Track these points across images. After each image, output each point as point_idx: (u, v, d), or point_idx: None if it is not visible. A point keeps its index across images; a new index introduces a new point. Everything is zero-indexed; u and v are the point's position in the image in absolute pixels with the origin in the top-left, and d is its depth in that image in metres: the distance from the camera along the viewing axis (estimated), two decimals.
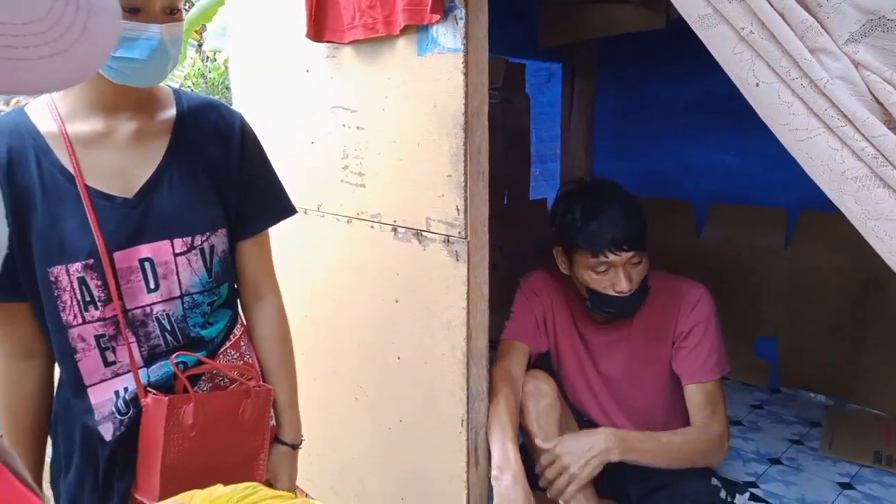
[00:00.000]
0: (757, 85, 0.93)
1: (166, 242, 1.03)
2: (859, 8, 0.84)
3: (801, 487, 2.12)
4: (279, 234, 1.83)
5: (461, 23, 1.28)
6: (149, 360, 1.06)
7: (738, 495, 2.02)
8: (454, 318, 1.42)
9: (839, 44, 0.86)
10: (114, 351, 1.03)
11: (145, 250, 1.02)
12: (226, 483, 0.66)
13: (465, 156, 1.34)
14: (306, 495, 2.04)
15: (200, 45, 7.95)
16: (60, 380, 1.07)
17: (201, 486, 0.65)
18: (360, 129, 1.59)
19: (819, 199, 0.95)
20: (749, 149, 2.76)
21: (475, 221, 1.38)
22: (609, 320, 1.74)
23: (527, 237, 3.12)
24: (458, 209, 1.37)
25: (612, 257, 1.54)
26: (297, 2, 1.58)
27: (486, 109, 1.36)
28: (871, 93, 0.84)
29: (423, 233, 1.46)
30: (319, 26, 1.58)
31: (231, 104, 2.08)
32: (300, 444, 1.27)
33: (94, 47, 0.44)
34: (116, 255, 1.00)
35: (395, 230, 1.54)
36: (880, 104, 0.84)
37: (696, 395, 1.64)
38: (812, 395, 2.76)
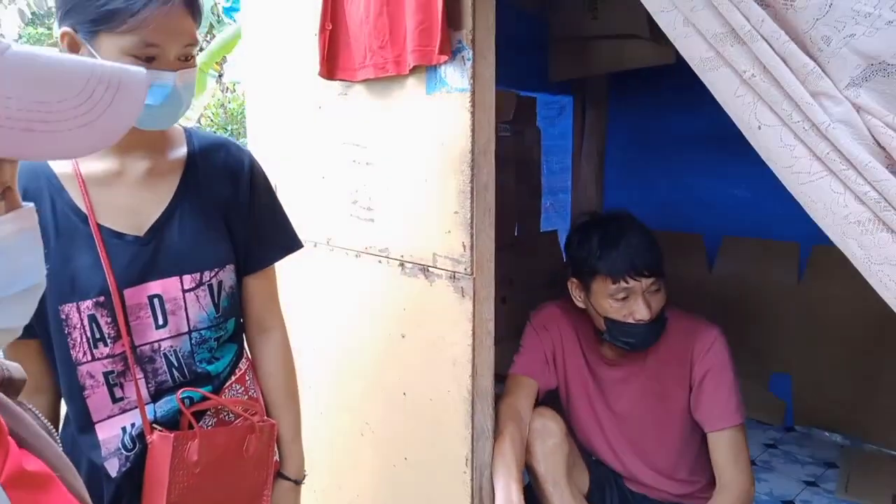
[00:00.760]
0: (759, 128, 0.94)
1: (176, 279, 1.05)
2: (860, 53, 0.85)
3: None
4: (289, 266, 1.85)
5: (468, 63, 1.30)
6: (155, 396, 1.06)
7: None
8: (460, 355, 1.41)
9: (840, 88, 0.86)
10: (122, 387, 1.04)
11: (155, 287, 1.04)
12: None
13: (472, 193, 1.35)
14: None
15: (220, 76, 8.14)
16: (66, 416, 1.08)
17: None
18: (369, 164, 1.61)
19: None
20: (761, 182, 2.74)
21: (481, 258, 1.39)
22: (621, 356, 1.72)
23: (537, 269, 3.11)
24: (464, 245, 1.38)
25: (632, 283, 1.54)
26: (311, 41, 1.62)
27: (493, 147, 1.38)
28: (872, 137, 0.84)
29: (429, 268, 1.47)
30: (332, 65, 1.61)
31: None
32: (303, 479, 1.26)
33: (118, 119, 0.49)
34: (126, 292, 1.01)
35: (402, 265, 1.54)
36: (882, 148, 0.84)
37: (721, 442, 1.60)
38: (827, 434, 2.70)
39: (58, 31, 0.95)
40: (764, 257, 2.84)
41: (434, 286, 1.46)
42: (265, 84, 1.99)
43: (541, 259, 3.15)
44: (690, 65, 0.99)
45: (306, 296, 1.90)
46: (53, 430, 0.58)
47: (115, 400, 1.04)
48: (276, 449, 1.21)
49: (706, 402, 1.63)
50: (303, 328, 1.90)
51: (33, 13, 8.41)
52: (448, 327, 1.43)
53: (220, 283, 1.10)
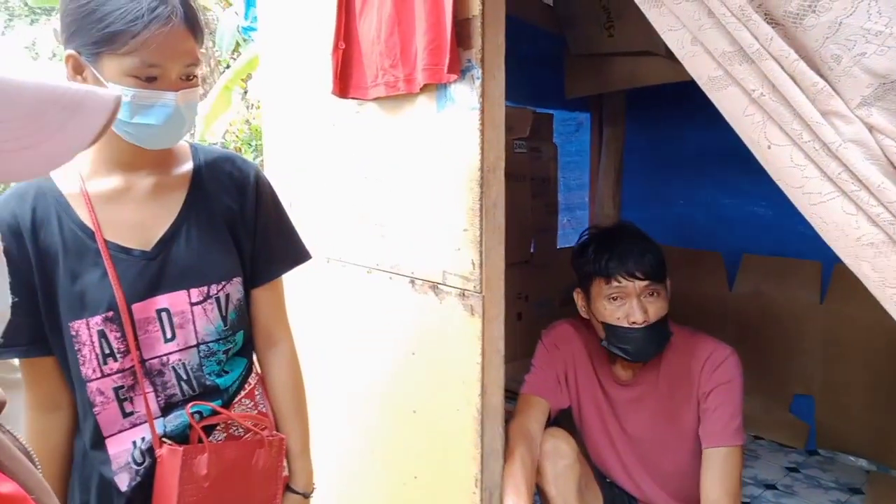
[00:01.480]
0: (769, 147, 0.92)
1: (183, 292, 1.06)
2: (871, 72, 0.83)
3: None
4: (302, 281, 1.87)
5: (478, 82, 1.31)
6: (165, 410, 1.07)
7: None
8: (469, 374, 1.40)
9: (852, 107, 0.85)
10: (132, 402, 1.05)
11: (162, 301, 1.04)
12: None
13: (481, 210, 1.35)
14: None
15: (246, 93, 8.27)
16: (79, 429, 1.09)
17: None
18: (380, 181, 1.61)
19: None
20: (782, 199, 2.69)
21: (491, 276, 1.38)
22: (633, 376, 1.70)
23: (553, 286, 3.09)
24: (473, 263, 1.37)
25: (624, 282, 1.56)
26: (325, 60, 1.64)
27: (503, 165, 1.37)
28: (885, 157, 0.82)
29: (439, 286, 1.46)
30: (345, 84, 1.62)
31: None
32: (312, 492, 1.26)
33: (66, 144, 0.45)
34: (135, 306, 1.02)
35: (412, 282, 1.54)
36: (895, 168, 0.81)
37: (713, 460, 1.57)
38: (852, 458, 2.62)
39: (63, 54, 0.97)
40: (785, 276, 2.79)
41: (444, 304, 1.45)
42: (281, 102, 2.01)
43: (557, 276, 3.12)
44: (699, 83, 0.98)
45: (318, 311, 1.90)
46: (32, 452, 0.55)
47: (125, 415, 1.05)
48: (284, 463, 1.21)
49: (708, 417, 1.60)
50: (314, 343, 1.90)
51: None
52: (457, 345, 1.42)
53: (227, 296, 1.10)
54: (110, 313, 1.00)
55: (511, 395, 1.63)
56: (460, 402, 1.43)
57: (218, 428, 1.11)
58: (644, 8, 1.00)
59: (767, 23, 0.89)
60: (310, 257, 1.27)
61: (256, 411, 1.17)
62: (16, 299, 0.91)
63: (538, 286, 3.01)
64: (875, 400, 2.52)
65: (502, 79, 1.33)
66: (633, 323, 1.55)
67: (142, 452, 1.05)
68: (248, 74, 7.30)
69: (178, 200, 1.09)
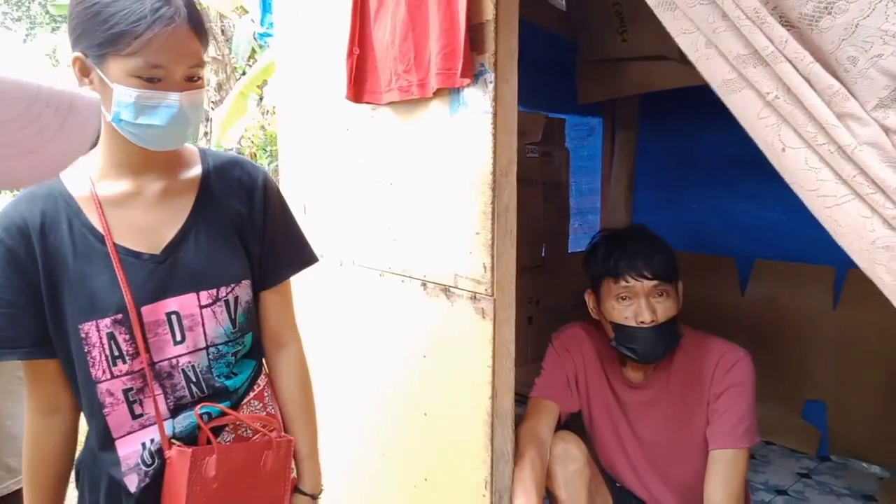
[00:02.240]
0: (783, 150, 0.92)
1: (192, 295, 1.06)
2: (888, 74, 0.83)
3: None
4: (315, 284, 1.88)
5: (491, 86, 1.31)
6: (175, 412, 1.08)
7: None
8: (479, 377, 1.40)
9: (867, 109, 0.84)
10: (141, 404, 1.06)
11: (172, 304, 1.05)
12: None
13: (493, 214, 1.35)
14: None
15: (261, 99, 8.34)
16: (88, 432, 1.10)
17: None
18: (393, 185, 1.62)
19: None
20: (795, 204, 2.67)
21: (503, 279, 1.38)
22: (644, 379, 1.70)
23: (565, 290, 3.09)
24: (485, 266, 1.37)
25: (632, 282, 1.56)
26: (339, 66, 1.65)
27: (515, 169, 1.38)
28: None
29: (450, 289, 1.47)
30: (359, 89, 1.64)
31: None
32: (320, 493, 1.26)
33: (67, 146, 0.46)
34: (144, 309, 1.03)
35: (424, 285, 1.54)
36: None
37: (718, 461, 1.56)
38: (865, 465, 2.60)
39: (70, 56, 0.98)
40: (798, 282, 2.77)
41: (455, 307, 1.46)
42: (296, 106, 2.03)
43: (568, 280, 3.12)
44: (712, 87, 0.98)
45: (331, 314, 1.91)
46: None
47: (134, 416, 1.06)
48: (293, 464, 1.22)
49: (717, 419, 1.59)
50: (327, 345, 1.91)
51: None
52: (468, 348, 1.43)
53: (236, 299, 1.11)
54: (119, 316, 1.01)
55: (521, 398, 1.63)
56: (471, 405, 1.44)
57: (227, 429, 1.12)
58: (658, 11, 1.01)
59: (782, 25, 0.89)
60: (317, 260, 1.28)
61: (265, 413, 1.18)
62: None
63: (549, 290, 3.01)
64: (888, 406, 2.50)
65: (515, 83, 1.34)
66: (642, 322, 1.55)
67: (151, 454, 1.06)
68: (263, 81, 7.35)
69: (187, 204, 1.10)
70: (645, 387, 1.71)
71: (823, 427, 2.71)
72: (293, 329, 1.26)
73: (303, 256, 1.25)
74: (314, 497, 1.25)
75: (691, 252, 2.93)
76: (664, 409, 1.70)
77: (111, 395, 1.04)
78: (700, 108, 2.78)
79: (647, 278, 1.55)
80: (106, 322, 1.01)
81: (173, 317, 1.05)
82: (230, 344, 1.12)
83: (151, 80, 0.96)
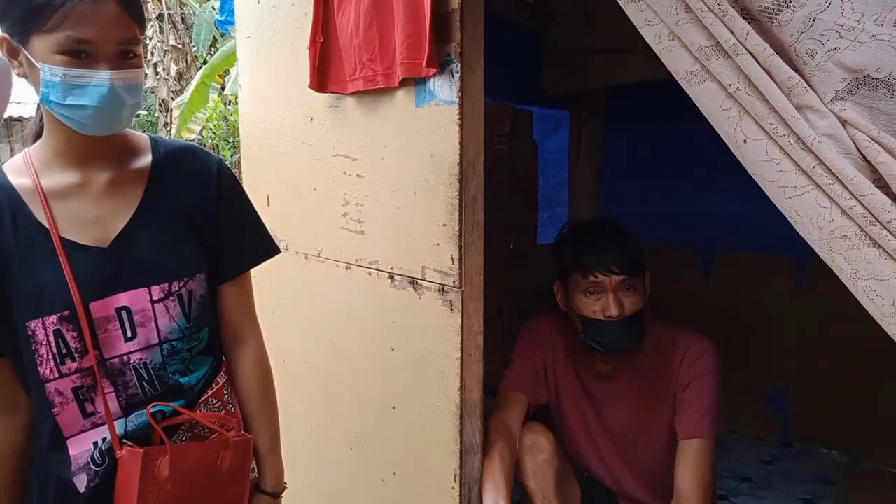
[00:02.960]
0: (745, 141, 0.93)
1: (144, 290, 1.02)
2: (844, 67, 0.84)
3: None
4: (280, 278, 1.85)
5: (457, 76, 1.30)
6: (127, 410, 1.04)
7: None
8: (448, 369, 1.40)
9: (825, 101, 0.86)
10: (93, 402, 1.02)
11: (123, 299, 1.01)
12: None
13: (461, 205, 1.34)
14: None
15: (223, 89, 8.17)
16: (38, 432, 1.06)
17: None
18: (360, 176, 1.60)
19: None
20: (758, 196, 2.72)
21: (470, 271, 1.38)
22: (612, 370, 1.71)
23: (533, 282, 3.10)
24: (452, 258, 1.37)
25: (601, 277, 1.57)
26: (303, 54, 1.62)
27: (482, 160, 1.37)
28: (858, 151, 0.83)
29: (418, 281, 1.46)
30: (323, 77, 1.61)
31: None
32: (282, 491, 1.24)
33: None
34: (93, 305, 0.99)
35: (391, 278, 1.53)
36: (868, 162, 0.83)
37: (686, 451, 1.58)
38: (826, 450, 2.67)
39: None
40: (760, 273, 2.83)
41: (423, 299, 1.45)
42: (258, 96, 1.99)
43: (537, 272, 3.13)
44: (676, 78, 0.98)
45: (297, 308, 1.89)
46: None
47: (86, 415, 1.02)
48: (253, 464, 1.19)
49: (684, 409, 1.62)
50: (293, 340, 1.89)
51: None
52: (436, 341, 1.42)
53: (190, 293, 1.07)
54: (66, 312, 0.97)
55: (490, 390, 1.63)
56: (439, 397, 1.43)
57: (182, 428, 1.08)
58: (622, 3, 1.01)
59: (744, 18, 0.89)
60: (278, 252, 1.23)
61: (224, 411, 1.14)
62: None
63: (518, 282, 3.02)
64: (848, 393, 2.57)
65: (481, 73, 1.33)
66: (609, 317, 1.56)
67: (102, 453, 1.03)
68: (225, 70, 7.21)
69: (137, 195, 1.05)
70: (613, 378, 1.73)
71: (786, 414, 2.78)
72: (253, 324, 1.22)
73: (262, 248, 1.21)
74: (275, 496, 1.22)
75: (656, 244, 2.96)
76: (632, 400, 1.72)
77: (60, 394, 1.00)
78: (665, 101, 2.81)
79: (615, 273, 1.56)
80: (52, 319, 0.97)
81: (123, 312, 1.02)
82: (185, 340, 1.08)
83: (78, 56, 0.91)
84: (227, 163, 1.20)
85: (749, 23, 0.89)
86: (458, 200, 1.34)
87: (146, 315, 1.03)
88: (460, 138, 1.31)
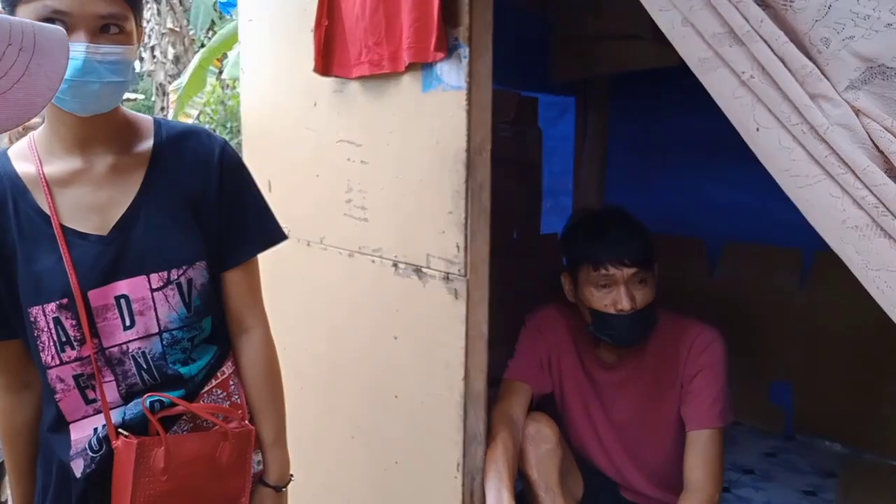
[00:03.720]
0: (757, 130, 0.92)
1: (143, 278, 1.01)
2: (859, 56, 0.82)
3: None
4: (282, 265, 1.84)
5: (465, 61, 1.29)
6: (127, 399, 1.04)
7: None
8: (452, 358, 1.39)
9: (839, 90, 0.84)
10: (93, 389, 1.02)
11: (122, 287, 1.00)
12: None
13: (467, 193, 1.33)
14: None
15: (221, 73, 8.12)
16: (43, 414, 1.07)
17: None
18: (364, 163, 1.59)
19: None
20: (764, 186, 2.70)
21: (476, 259, 1.37)
22: (618, 360, 1.70)
23: (536, 272, 3.09)
24: (458, 246, 1.36)
25: (612, 270, 1.54)
26: (307, 37, 1.60)
27: (489, 147, 1.36)
28: (871, 140, 0.82)
29: (423, 269, 1.45)
30: (327, 61, 1.59)
31: None
32: (286, 484, 1.22)
33: (36, 88, 0.43)
34: (91, 293, 0.98)
35: (395, 265, 1.52)
36: (881, 152, 0.81)
37: (696, 442, 1.58)
38: (828, 443, 2.66)
39: None
40: (766, 263, 2.81)
41: (427, 287, 1.44)
42: (260, 80, 1.97)
43: (540, 262, 3.12)
44: (689, 65, 0.97)
45: (299, 295, 1.88)
46: None
47: (87, 402, 1.02)
48: (259, 457, 1.18)
49: (692, 400, 1.61)
50: (295, 328, 1.88)
51: None
52: (441, 329, 1.41)
53: (189, 281, 1.05)
54: (65, 300, 0.97)
55: (492, 380, 1.63)
56: (443, 386, 1.43)
57: (183, 418, 1.07)
58: None
59: (758, 4, 0.88)
60: (284, 238, 1.20)
61: (229, 402, 1.13)
62: None
63: (521, 272, 3.00)
64: (851, 386, 2.56)
65: (490, 58, 1.31)
66: (621, 310, 1.54)
67: (99, 440, 1.02)
68: (223, 53, 7.15)
69: (138, 180, 1.04)
70: (619, 367, 1.72)
71: (789, 407, 2.77)
72: (258, 312, 1.19)
73: (266, 233, 1.17)
74: (278, 489, 1.20)
75: (662, 233, 2.95)
76: (637, 390, 1.71)
77: (62, 381, 1.00)
78: (672, 88, 2.79)
79: (627, 266, 1.54)
80: (52, 307, 0.97)
81: (122, 301, 1.00)
82: (185, 329, 1.06)
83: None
84: None
85: (764, 10, 0.88)
86: (464, 188, 1.32)
87: (145, 304, 1.02)
88: (468, 125, 1.30)
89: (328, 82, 1.64)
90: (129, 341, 1.02)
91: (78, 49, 0.89)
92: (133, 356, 1.03)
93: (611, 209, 1.70)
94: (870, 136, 0.82)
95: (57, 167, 1.00)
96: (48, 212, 0.98)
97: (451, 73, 1.31)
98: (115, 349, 1.02)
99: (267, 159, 1.94)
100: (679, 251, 2.98)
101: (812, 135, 0.85)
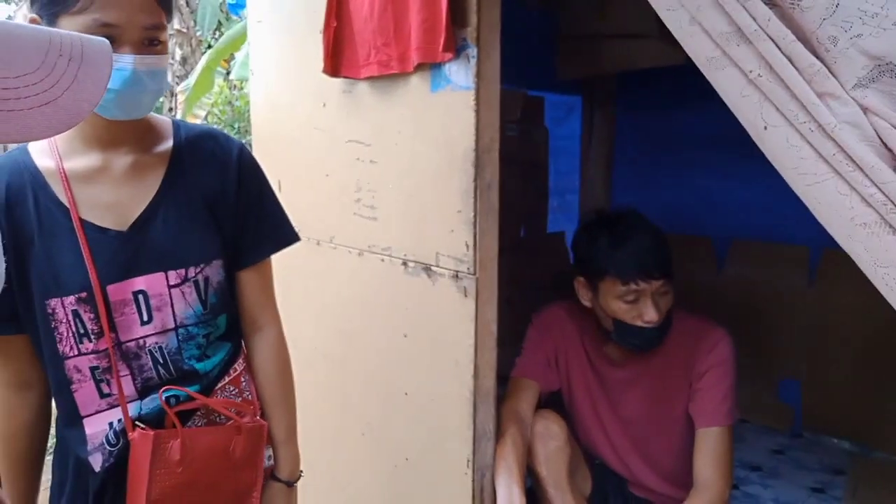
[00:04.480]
0: (765, 128, 0.92)
1: (161, 275, 1.03)
2: (867, 54, 0.83)
3: None
4: (291, 264, 1.85)
5: (473, 61, 1.30)
6: (142, 393, 1.05)
7: None
8: (462, 356, 1.40)
9: (847, 88, 0.85)
10: (108, 383, 1.03)
11: (139, 283, 1.02)
12: None
13: (476, 192, 1.34)
14: None
15: (228, 74, 8.14)
16: (58, 410, 1.08)
17: None
18: (373, 162, 1.60)
19: None
20: (771, 184, 2.69)
21: (485, 258, 1.38)
22: (626, 357, 1.71)
23: (543, 270, 3.10)
24: (467, 245, 1.37)
25: (642, 285, 1.52)
26: (316, 38, 1.62)
27: (497, 146, 1.37)
28: (879, 138, 0.82)
29: (432, 267, 1.46)
30: (336, 62, 1.61)
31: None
32: (297, 480, 1.24)
33: (83, 95, 0.46)
34: (110, 287, 1.00)
35: (405, 264, 1.54)
36: (889, 150, 0.82)
37: (705, 440, 1.58)
38: (836, 440, 2.67)
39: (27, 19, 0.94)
40: (773, 261, 2.81)
41: (436, 286, 1.45)
42: (269, 81, 1.99)
43: (547, 260, 3.13)
44: (696, 64, 0.98)
45: (309, 294, 1.90)
46: None
47: (102, 395, 1.04)
48: (270, 452, 1.20)
49: (701, 398, 1.61)
50: (305, 327, 1.90)
51: None
52: (450, 327, 1.43)
53: (206, 279, 1.07)
54: (84, 294, 0.98)
55: (499, 379, 1.64)
56: (453, 384, 1.44)
57: (198, 413, 1.09)
58: None
59: (765, 3, 0.89)
60: (297, 239, 1.23)
61: (241, 398, 1.15)
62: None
63: (528, 271, 3.01)
64: (859, 383, 2.56)
65: (498, 58, 1.32)
66: (648, 322, 1.53)
67: (116, 434, 1.04)
68: (230, 55, 7.16)
69: (157, 179, 1.06)
70: (627, 365, 1.72)
71: (797, 405, 2.77)
72: (272, 311, 1.22)
73: (281, 234, 1.20)
74: (289, 484, 1.22)
75: (668, 232, 2.95)
76: (645, 387, 1.72)
77: (78, 371, 1.01)
78: (678, 86, 2.79)
79: (656, 279, 1.52)
80: (70, 300, 0.98)
81: (140, 296, 1.02)
82: (201, 325, 1.08)
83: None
84: None
85: (771, 8, 0.88)
86: (472, 187, 1.34)
87: (163, 300, 1.04)
88: (476, 124, 1.31)
89: (337, 83, 1.65)
90: (146, 336, 1.04)
91: (126, 61, 0.93)
92: (150, 350, 1.04)
93: (628, 214, 1.64)
94: (878, 134, 0.82)
95: (77, 163, 1.02)
96: (67, 205, 0.99)
97: (460, 73, 1.33)
98: (132, 343, 1.03)
99: (277, 159, 1.95)
100: (686, 249, 2.98)
101: (820, 133, 0.85)
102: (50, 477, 1.12)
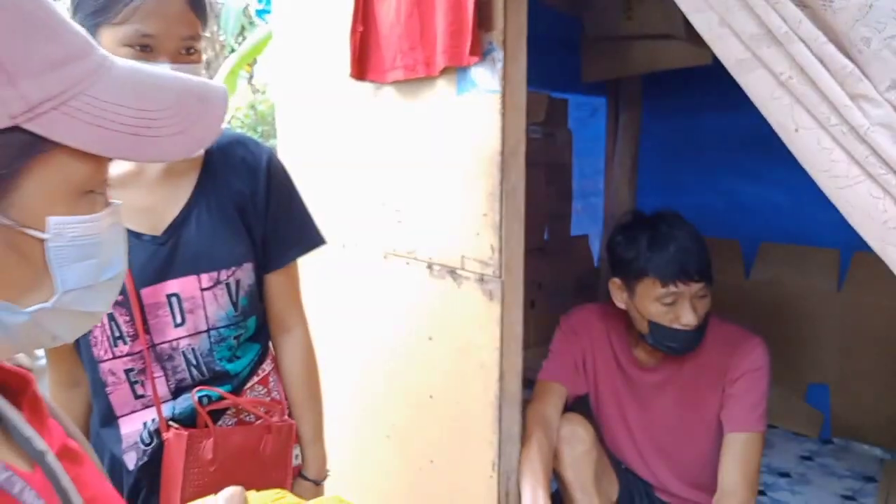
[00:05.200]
0: (796, 130, 0.91)
1: (193, 278, 1.06)
2: None
3: None
4: (317, 267, 1.87)
5: (499, 65, 1.30)
6: (175, 393, 1.08)
7: None
8: (487, 359, 1.41)
9: (880, 90, 0.84)
10: (143, 384, 1.06)
11: (173, 286, 1.05)
12: None
13: (501, 195, 1.35)
14: None
15: (251, 78, 8.24)
16: (93, 409, 1.11)
17: None
18: (399, 166, 1.61)
19: None
20: (800, 186, 2.66)
21: (510, 261, 1.38)
22: (656, 361, 1.69)
23: (567, 273, 3.09)
24: (493, 248, 1.37)
25: (681, 287, 1.50)
26: (342, 42, 1.63)
27: (523, 150, 1.37)
28: None
29: (457, 271, 1.46)
30: (362, 66, 1.62)
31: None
32: (324, 479, 1.27)
33: (207, 128, 0.57)
34: (145, 291, 1.03)
35: (430, 267, 1.54)
36: None
37: (733, 444, 1.56)
38: (867, 447, 2.62)
39: None
40: (802, 264, 2.77)
41: (462, 288, 1.46)
42: (295, 85, 2.01)
43: (571, 263, 3.12)
44: (726, 66, 0.97)
45: (334, 297, 1.91)
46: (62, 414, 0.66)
47: (136, 396, 1.07)
48: (297, 451, 1.22)
49: (733, 403, 1.59)
50: (330, 329, 1.91)
51: None
52: (475, 330, 1.43)
53: (237, 282, 1.10)
54: (120, 298, 1.01)
55: (523, 382, 1.64)
56: (478, 387, 1.44)
57: (228, 413, 1.12)
58: None
59: (796, 5, 0.88)
60: (324, 242, 1.25)
61: (269, 398, 1.18)
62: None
63: (552, 274, 3.01)
64: (890, 388, 2.51)
65: (524, 61, 1.32)
66: (686, 325, 1.51)
67: (150, 434, 1.07)
68: (253, 59, 7.25)
69: (189, 185, 1.09)
70: (657, 369, 1.70)
71: (826, 410, 2.72)
72: (299, 313, 1.25)
73: (308, 238, 1.23)
74: (317, 483, 1.24)
75: None
76: (675, 392, 1.69)
77: (113, 374, 1.04)
78: (705, 88, 2.77)
79: (696, 282, 1.51)
80: None
81: (174, 299, 1.05)
82: (232, 327, 1.11)
83: (142, 49, 0.94)
84: None
85: (802, 10, 0.87)
86: (498, 190, 1.34)
87: (195, 302, 1.06)
88: (502, 127, 1.31)
89: (363, 87, 1.66)
90: (180, 338, 1.07)
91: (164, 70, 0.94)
92: (183, 352, 1.07)
93: (669, 216, 1.61)
94: None
95: (112, 169, 1.03)
96: None
97: (486, 77, 1.33)
98: (166, 345, 1.06)
99: (302, 163, 1.97)
100: (714, 252, 2.94)
101: (852, 135, 0.84)
102: None
